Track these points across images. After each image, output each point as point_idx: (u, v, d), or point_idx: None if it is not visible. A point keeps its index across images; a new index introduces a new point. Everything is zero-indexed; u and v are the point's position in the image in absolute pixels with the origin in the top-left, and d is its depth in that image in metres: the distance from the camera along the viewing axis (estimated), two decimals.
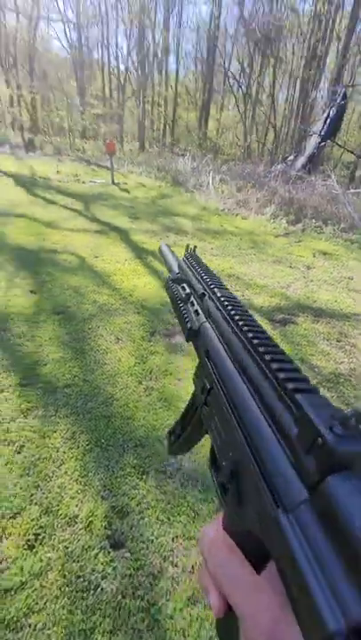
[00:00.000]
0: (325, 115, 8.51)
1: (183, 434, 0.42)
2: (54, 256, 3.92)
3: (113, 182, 8.85)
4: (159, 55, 19.66)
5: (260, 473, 0.20)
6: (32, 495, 1.43)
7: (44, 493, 1.44)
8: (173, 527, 1.35)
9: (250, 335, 0.27)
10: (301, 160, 8.90)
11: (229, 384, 0.27)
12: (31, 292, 3.08)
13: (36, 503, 1.40)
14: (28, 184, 7.71)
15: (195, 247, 0.52)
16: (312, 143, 8.78)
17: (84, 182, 8.74)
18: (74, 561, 1.21)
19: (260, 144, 18.16)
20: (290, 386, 0.21)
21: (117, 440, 1.73)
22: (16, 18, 18.76)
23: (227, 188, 8.44)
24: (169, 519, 1.38)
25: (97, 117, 18.49)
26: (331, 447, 0.16)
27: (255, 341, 0.26)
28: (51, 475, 1.52)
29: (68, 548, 1.25)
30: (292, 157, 9.97)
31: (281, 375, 0.22)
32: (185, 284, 0.45)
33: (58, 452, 1.64)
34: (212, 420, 0.30)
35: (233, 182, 8.63)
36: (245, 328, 0.28)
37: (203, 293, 0.39)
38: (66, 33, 20.93)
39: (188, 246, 0.53)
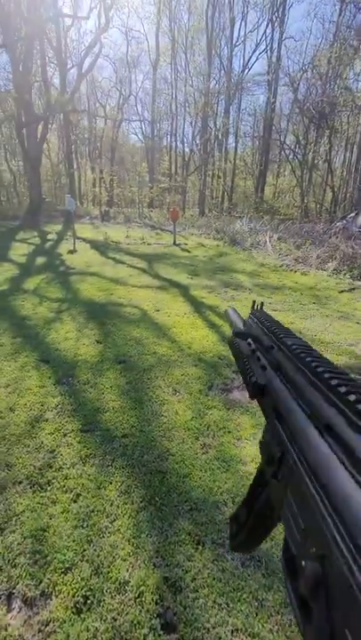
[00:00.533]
0: None
1: (248, 521, 0.33)
2: (120, 309, 4.25)
3: (175, 243, 9.66)
4: (220, 137, 22.36)
5: None
6: (84, 550, 1.38)
7: (95, 550, 1.38)
8: (233, 616, 1.16)
9: (334, 383, 0.22)
10: None
11: (309, 450, 0.21)
12: (97, 341, 3.33)
13: (87, 560, 1.34)
14: (102, 247, 8.79)
15: (262, 303, 0.49)
16: None
17: (149, 244, 9.69)
18: (121, 638, 1.10)
19: (317, 204, 18.58)
20: None
21: (172, 500, 1.63)
22: (104, 122, 23.39)
23: (285, 245, 8.60)
24: (228, 605, 1.20)
25: (163, 190, 21.05)
26: None
27: (345, 393, 0.20)
28: (104, 530, 1.47)
29: (116, 620, 1.14)
30: (353, 215, 9.93)
31: None
32: (250, 339, 0.42)
33: (112, 505, 1.60)
34: (285, 499, 0.23)
35: (291, 240, 8.79)
36: (327, 375, 0.23)
37: (271, 346, 0.36)
38: (142, 128, 25.24)
39: (253, 303, 0.49)
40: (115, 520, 1.52)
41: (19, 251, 8.05)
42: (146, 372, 2.79)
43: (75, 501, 1.60)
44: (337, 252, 6.97)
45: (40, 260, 7.12)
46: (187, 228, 13.09)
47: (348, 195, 16.93)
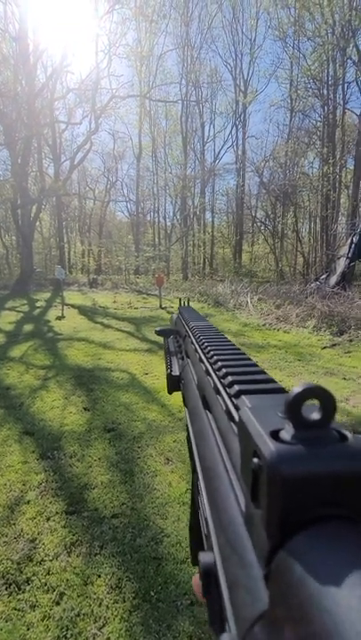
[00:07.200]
0: (349, 241, 9.52)
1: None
2: (108, 374, 4.19)
3: (161, 307, 9.98)
4: (198, 213, 24.84)
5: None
6: None
7: None
8: None
9: (207, 348, 0.23)
10: (334, 278, 9.53)
11: (200, 440, 0.21)
12: (85, 409, 3.20)
13: None
14: (90, 313, 8.96)
15: (188, 299, 0.51)
16: (341, 264, 9.54)
17: (136, 308, 9.96)
18: None
19: (290, 267, 20.09)
20: (235, 388, 0.17)
21: (169, 593, 1.44)
22: (93, 202, 25.80)
23: (266, 305, 9.03)
24: None
25: (148, 259, 22.42)
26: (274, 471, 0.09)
27: (211, 355, 0.22)
28: None
29: None
30: (324, 276, 10.74)
31: (226, 379, 0.18)
32: (174, 335, 0.42)
33: (100, 605, 1.39)
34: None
35: (270, 301, 9.27)
36: (207, 349, 0.24)
37: (185, 335, 0.36)
38: (127, 207, 27.87)
39: (180, 300, 0.52)
40: (104, 625, 1.31)
41: (7, 319, 8.08)
42: (136, 440, 2.66)
43: (57, 603, 1.39)
44: (314, 311, 7.35)
45: (28, 327, 7.13)
46: (172, 291, 13.68)
47: (317, 259, 18.51)
